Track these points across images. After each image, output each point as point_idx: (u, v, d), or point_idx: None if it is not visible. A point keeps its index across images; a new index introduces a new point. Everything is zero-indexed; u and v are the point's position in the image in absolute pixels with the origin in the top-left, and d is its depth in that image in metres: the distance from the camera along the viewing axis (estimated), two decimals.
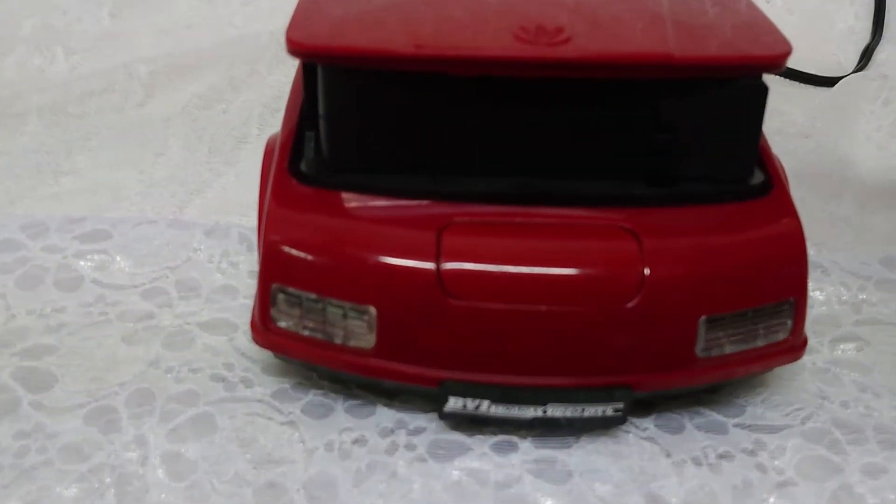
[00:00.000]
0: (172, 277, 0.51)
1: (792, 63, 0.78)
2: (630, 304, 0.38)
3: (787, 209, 0.42)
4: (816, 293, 0.52)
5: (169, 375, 0.44)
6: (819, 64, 0.83)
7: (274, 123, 0.70)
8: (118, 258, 0.52)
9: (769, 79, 0.56)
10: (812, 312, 0.51)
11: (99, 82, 0.73)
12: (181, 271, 0.52)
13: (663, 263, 0.38)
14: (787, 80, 0.79)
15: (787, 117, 0.71)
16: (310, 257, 0.39)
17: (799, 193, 0.61)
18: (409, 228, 0.39)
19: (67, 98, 0.71)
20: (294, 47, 0.40)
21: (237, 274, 0.52)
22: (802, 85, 0.79)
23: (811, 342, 0.48)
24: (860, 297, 0.51)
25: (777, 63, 0.42)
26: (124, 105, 0.71)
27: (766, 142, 0.47)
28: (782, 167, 0.47)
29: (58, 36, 0.82)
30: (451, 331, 0.38)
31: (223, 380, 0.44)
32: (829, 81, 0.79)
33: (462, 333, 0.38)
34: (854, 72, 0.81)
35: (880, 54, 0.84)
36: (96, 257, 0.52)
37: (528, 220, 0.40)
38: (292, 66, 0.84)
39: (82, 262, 0.52)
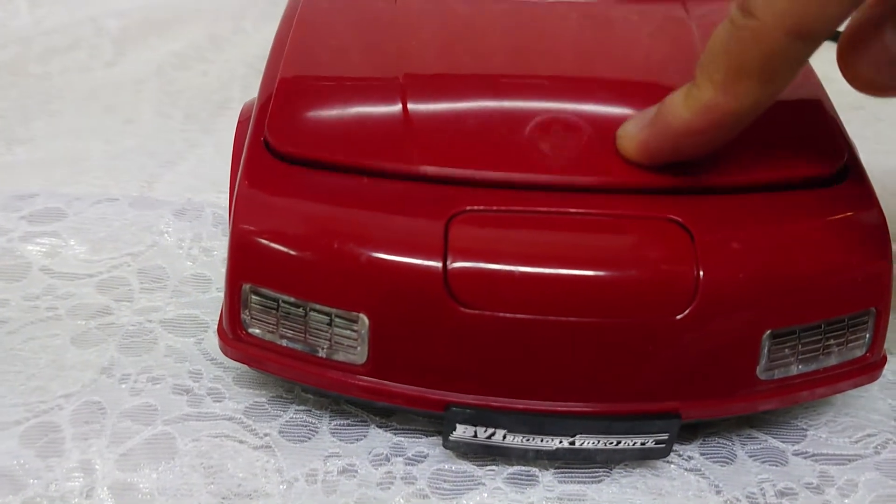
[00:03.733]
0: (134, 265, 0.44)
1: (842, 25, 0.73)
2: (680, 316, 0.31)
3: (868, 198, 0.34)
4: None
5: (123, 386, 0.37)
6: None
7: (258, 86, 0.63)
8: (72, 242, 0.45)
9: None
10: None
11: (64, 38, 0.65)
12: (145, 258, 0.44)
13: (721, 265, 0.31)
14: (833, 41, 0.72)
15: (836, 86, 0.63)
16: (288, 251, 0.32)
17: None
18: (410, 218, 0.32)
19: (28, 56, 0.63)
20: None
21: (210, 262, 0.45)
22: None
23: None
24: None
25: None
26: (91, 64, 0.63)
27: (838, 118, 0.39)
28: (855, 147, 0.40)
29: None
30: (459, 345, 0.31)
31: (187, 391, 0.37)
32: None
33: (473, 348, 0.31)
34: None
35: None
36: (46, 241, 0.45)
37: (556, 209, 0.32)
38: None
39: (30, 247, 0.44)
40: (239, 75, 0.63)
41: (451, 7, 0.43)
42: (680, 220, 0.32)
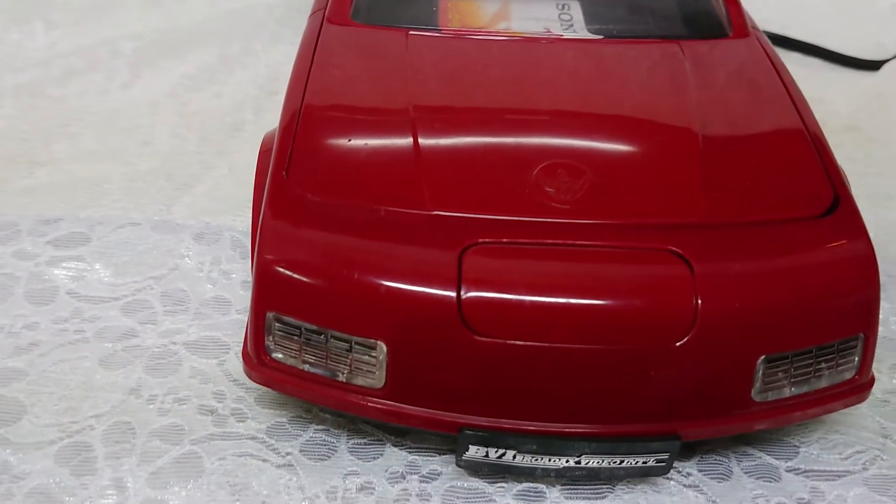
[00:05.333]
0: (157, 288, 0.46)
1: (832, 44, 0.75)
2: (680, 343, 0.33)
3: (856, 229, 0.37)
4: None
5: (151, 406, 0.39)
6: (860, 44, 0.77)
7: (270, 108, 0.65)
8: (97, 266, 0.47)
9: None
10: (886, 334, 0.46)
11: (80, 61, 0.67)
12: (167, 281, 0.46)
13: (718, 294, 0.33)
14: (828, 62, 0.74)
15: (829, 107, 0.65)
16: (310, 281, 0.34)
17: None
18: (425, 250, 0.34)
19: (46, 78, 0.65)
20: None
21: (229, 284, 0.47)
22: (843, 69, 0.73)
23: None
24: None
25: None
26: (108, 86, 0.65)
27: (828, 147, 0.41)
28: (843, 172, 0.42)
29: (37, 6, 0.76)
30: (472, 370, 0.33)
31: (212, 412, 0.39)
32: (874, 65, 0.73)
33: (485, 374, 0.33)
34: None
35: None
36: (73, 265, 0.47)
37: (563, 242, 0.34)
38: (290, 44, 0.78)
39: (57, 271, 0.46)
40: (251, 97, 0.65)
41: (460, 48, 0.45)
42: (680, 251, 0.34)
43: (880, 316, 0.45)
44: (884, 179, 0.57)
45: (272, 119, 0.44)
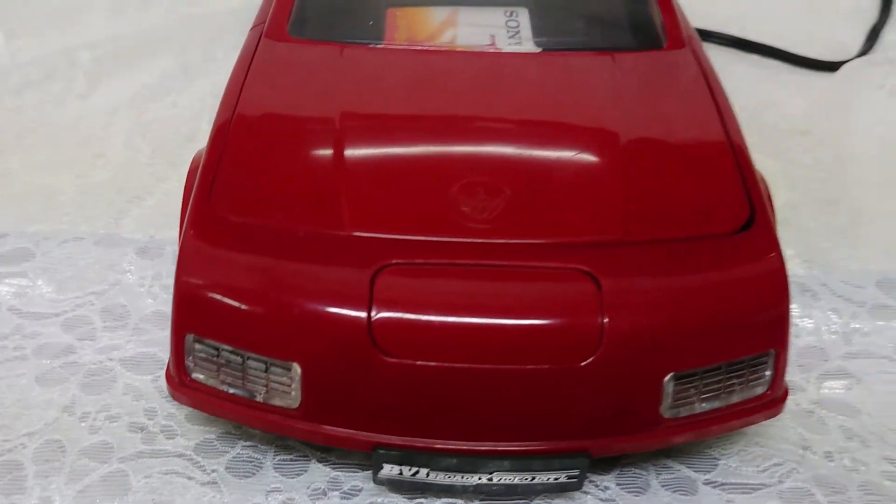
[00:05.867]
0: (98, 304, 0.47)
1: (793, 45, 0.75)
2: (585, 362, 0.33)
3: (769, 245, 0.37)
4: (805, 320, 0.47)
5: (83, 424, 0.40)
6: (822, 45, 0.77)
7: None
8: (39, 282, 0.47)
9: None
10: (798, 343, 0.46)
11: (38, 71, 0.67)
12: (108, 297, 0.47)
13: (625, 312, 0.34)
14: (787, 63, 0.74)
15: (783, 110, 0.66)
16: (227, 303, 0.35)
17: (792, 198, 0.57)
18: (340, 270, 0.35)
19: (3, 89, 0.66)
20: None
21: (170, 299, 0.47)
22: (801, 70, 0.73)
23: (796, 378, 0.44)
24: (852, 325, 0.47)
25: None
26: (65, 97, 0.66)
27: (750, 161, 0.42)
28: (765, 184, 0.42)
29: (1, 14, 0.76)
30: (384, 391, 0.34)
31: (142, 429, 0.40)
32: (832, 66, 0.73)
33: (396, 394, 0.34)
34: (858, 55, 0.75)
35: (888, 35, 0.78)
36: (16, 281, 0.47)
37: (475, 262, 0.35)
38: None
39: (0, 287, 0.47)
40: (207, 107, 0.65)
41: (392, 64, 0.46)
42: (589, 269, 0.35)
43: (811, 325, 0.47)
44: (829, 185, 0.58)
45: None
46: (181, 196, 0.55)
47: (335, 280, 0.34)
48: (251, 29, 0.51)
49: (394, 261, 0.35)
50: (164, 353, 0.44)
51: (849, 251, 0.52)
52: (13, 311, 0.46)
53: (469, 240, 0.36)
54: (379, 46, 0.48)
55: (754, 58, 0.74)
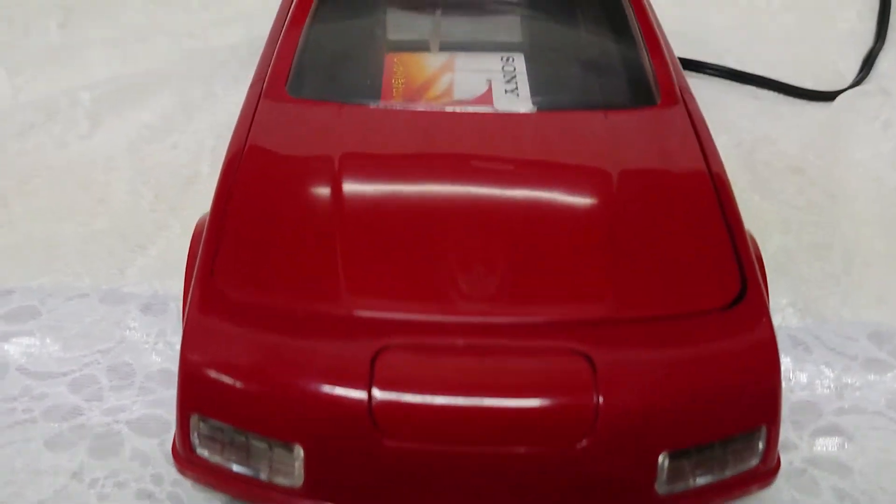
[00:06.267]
0: (104, 362, 0.47)
1: (787, 73, 0.76)
2: (580, 445, 0.34)
3: (760, 319, 0.38)
4: (798, 374, 0.48)
5: (92, 491, 0.41)
6: (817, 70, 0.78)
7: None
8: (47, 340, 0.48)
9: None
10: (791, 398, 0.47)
11: (39, 112, 0.68)
12: (114, 354, 0.48)
13: (619, 393, 0.35)
14: (783, 94, 0.74)
15: (777, 146, 0.66)
16: (231, 384, 0.36)
17: (786, 243, 0.57)
18: (340, 351, 0.36)
19: (6, 133, 0.66)
20: None
21: (174, 356, 0.48)
22: (799, 101, 0.74)
23: (789, 435, 0.45)
24: (844, 380, 0.47)
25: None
26: (66, 138, 0.66)
27: (742, 226, 0.42)
28: (755, 245, 0.43)
29: (2, 52, 0.77)
30: (384, 472, 0.35)
31: (150, 496, 0.41)
32: (827, 96, 0.74)
33: (396, 475, 0.35)
34: (854, 84, 0.76)
35: (882, 62, 0.79)
36: (23, 340, 0.48)
37: (471, 342, 0.36)
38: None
39: (7, 346, 0.48)
40: (207, 147, 0.66)
41: (392, 128, 0.46)
42: (582, 349, 0.35)
43: (805, 379, 0.48)
44: (823, 227, 0.58)
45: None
46: (183, 245, 0.56)
47: (336, 361, 0.35)
48: (250, 86, 0.51)
49: (393, 341, 0.36)
50: (169, 414, 0.45)
51: (842, 298, 0.53)
52: (22, 371, 0.47)
53: (466, 318, 0.37)
54: (377, 107, 0.48)
55: (750, 89, 0.75)
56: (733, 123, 0.69)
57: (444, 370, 0.35)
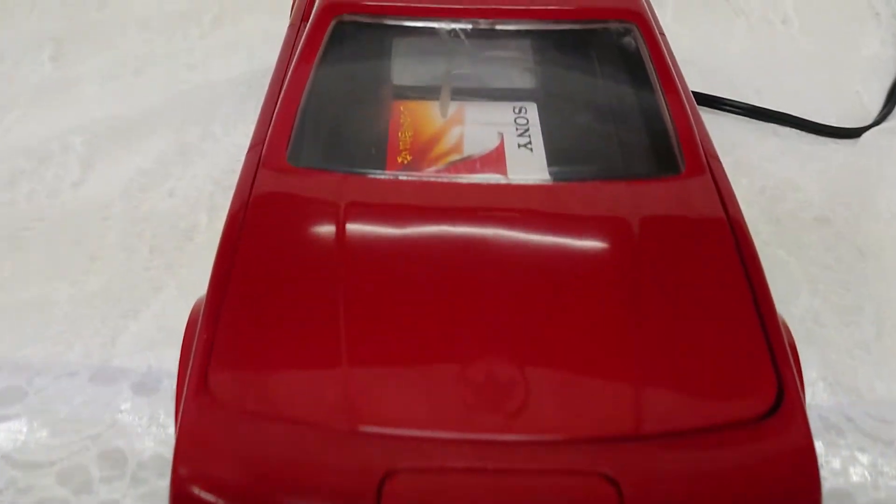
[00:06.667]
0: (94, 449, 0.45)
1: (809, 106, 0.73)
2: None
3: (800, 430, 0.35)
4: (831, 459, 0.45)
5: None
6: (840, 102, 0.75)
7: (225, 206, 0.62)
8: (35, 424, 0.46)
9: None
10: (825, 486, 0.44)
11: (30, 158, 0.65)
12: (104, 440, 0.45)
13: None
14: (803, 131, 0.71)
15: (802, 194, 0.63)
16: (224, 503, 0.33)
17: (814, 306, 0.54)
18: (345, 474, 0.33)
19: None
20: None
21: (167, 439, 0.45)
22: (822, 139, 0.71)
23: None
24: (880, 467, 0.45)
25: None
26: (58, 186, 0.64)
27: (775, 314, 0.39)
28: (788, 332, 0.40)
29: None
30: None
31: None
32: (852, 133, 0.71)
33: None
34: (879, 120, 0.72)
35: None
36: (9, 426, 0.46)
37: (487, 466, 0.33)
38: (251, 122, 0.76)
39: None
40: (206, 195, 0.63)
41: (400, 209, 0.43)
42: (609, 473, 0.33)
43: (838, 466, 0.45)
44: (852, 289, 0.55)
45: None
46: (178, 309, 0.53)
47: (340, 486, 0.33)
48: (248, 150, 0.48)
49: (403, 465, 0.33)
50: None
51: (874, 369, 0.50)
52: (7, 460, 0.44)
53: (480, 435, 0.34)
54: (383, 178, 0.45)
55: (770, 125, 0.72)
56: (754, 166, 0.66)
57: (457, 499, 0.32)
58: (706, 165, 0.46)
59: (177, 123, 0.70)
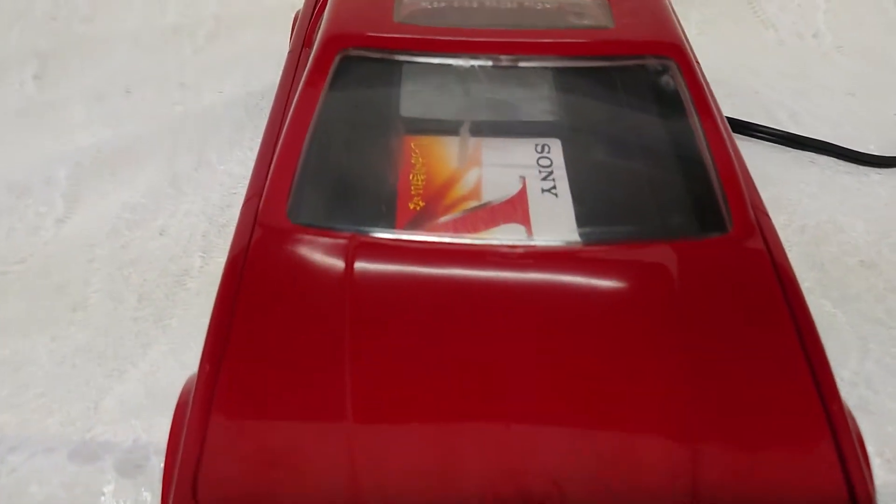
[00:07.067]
0: None
1: (846, 131, 0.68)
2: None
3: None
4: None
5: None
6: (878, 126, 0.70)
7: (221, 246, 0.58)
8: None
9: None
10: None
11: (10, 193, 0.60)
12: None
13: None
14: (841, 160, 0.66)
15: (845, 236, 0.58)
16: None
17: (866, 369, 0.49)
18: None
19: None
20: None
21: None
22: (861, 168, 0.65)
23: None
24: None
25: None
26: (41, 223, 0.59)
27: (839, 401, 0.35)
28: (854, 424, 0.35)
29: None
30: None
31: None
32: (893, 162, 0.66)
33: None
34: None
35: None
36: None
37: None
38: (249, 149, 0.72)
39: None
40: (199, 233, 0.58)
41: (411, 278, 0.39)
42: None
43: None
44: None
45: (223, 263, 0.38)
46: (168, 368, 0.50)
47: None
48: (245, 201, 0.43)
49: None
50: None
51: None
52: None
53: None
54: (392, 242, 0.40)
55: (806, 154, 0.67)
56: (792, 201, 0.61)
57: None
58: (755, 223, 0.41)
59: (168, 151, 0.65)
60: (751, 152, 0.61)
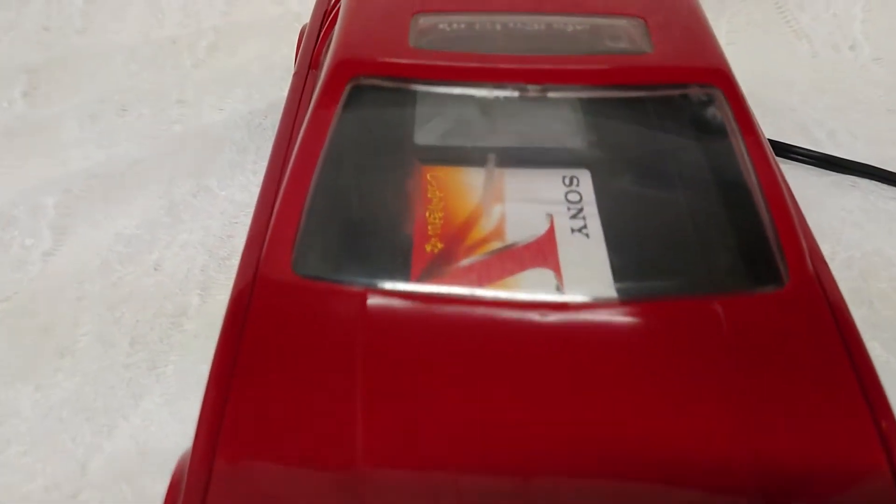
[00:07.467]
0: None
1: (888, 155, 0.63)
2: None
3: None
4: None
5: None
6: None
7: (222, 282, 0.54)
8: None
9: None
10: None
11: None
12: None
13: None
14: (885, 184, 0.62)
15: (895, 270, 0.54)
16: None
17: None
18: None
19: None
20: None
21: None
22: None
23: None
24: None
25: None
26: (27, 257, 0.54)
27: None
28: None
29: None
30: None
31: None
32: None
33: None
34: None
35: None
36: None
37: None
38: (253, 173, 0.68)
39: None
40: (198, 267, 0.54)
41: (421, 337, 0.34)
42: None
43: None
44: None
45: (223, 301, 0.35)
46: (162, 422, 0.45)
47: None
48: (245, 247, 0.39)
49: None
50: None
51: None
52: None
53: None
54: (407, 300, 0.36)
55: (848, 177, 0.62)
56: (836, 231, 0.57)
57: None
58: (814, 275, 0.37)
59: (165, 175, 0.61)
60: (789, 175, 0.57)
